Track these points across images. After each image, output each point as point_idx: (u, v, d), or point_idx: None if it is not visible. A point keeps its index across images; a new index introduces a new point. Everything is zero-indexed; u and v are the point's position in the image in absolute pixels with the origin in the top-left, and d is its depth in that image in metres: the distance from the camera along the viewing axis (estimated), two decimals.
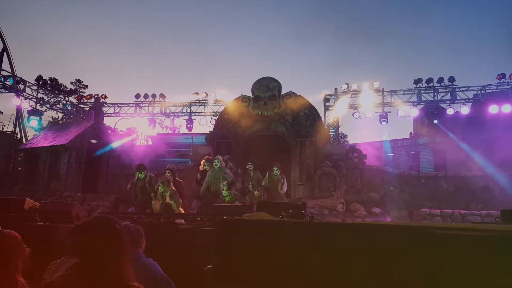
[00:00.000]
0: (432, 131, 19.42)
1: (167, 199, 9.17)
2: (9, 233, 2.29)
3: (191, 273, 3.82)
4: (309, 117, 14.46)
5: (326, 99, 20.39)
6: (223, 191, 9.56)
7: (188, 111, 20.95)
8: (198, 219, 7.19)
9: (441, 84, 18.23)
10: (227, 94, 20.04)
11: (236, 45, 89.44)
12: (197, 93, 20.65)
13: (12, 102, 20.02)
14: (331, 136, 18.32)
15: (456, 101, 18.24)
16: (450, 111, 18.12)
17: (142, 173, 10.19)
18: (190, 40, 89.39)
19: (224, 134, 14.89)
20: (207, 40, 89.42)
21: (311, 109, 14.64)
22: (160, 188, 9.37)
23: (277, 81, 14.73)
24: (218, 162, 10.47)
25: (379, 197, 13.21)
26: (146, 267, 2.83)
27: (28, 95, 19.73)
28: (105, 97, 21.40)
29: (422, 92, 18.65)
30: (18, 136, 25.82)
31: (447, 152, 18.75)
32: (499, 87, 17.94)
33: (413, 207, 12.71)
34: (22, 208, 6.61)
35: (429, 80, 18.32)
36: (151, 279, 2.72)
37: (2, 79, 18.82)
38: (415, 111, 18.76)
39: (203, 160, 11.00)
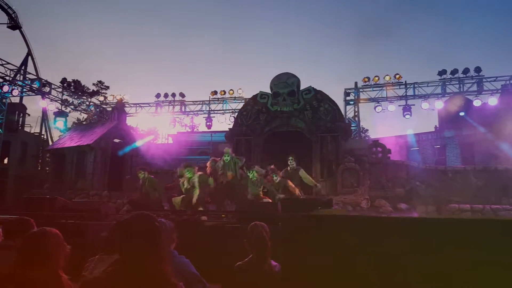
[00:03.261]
0: (459, 124, 18.93)
1: (196, 188, 8.52)
2: (51, 231, 2.35)
3: (219, 270, 3.83)
4: (329, 112, 14.28)
5: (347, 93, 20.18)
6: (251, 175, 9.13)
7: (207, 109, 21.11)
8: (223, 216, 7.25)
9: (467, 75, 17.78)
10: (245, 91, 20.16)
11: (255, 42, 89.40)
12: (215, 92, 20.77)
13: (39, 104, 20.59)
14: (353, 131, 18.10)
15: (483, 92, 17.75)
16: (477, 103, 17.63)
17: (142, 173, 9.92)
18: (208, 38, 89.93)
19: (243, 131, 14.88)
20: (225, 38, 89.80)
21: (331, 104, 14.45)
22: (187, 173, 8.65)
23: (296, 76, 14.60)
24: (228, 156, 9.75)
25: (405, 192, 12.94)
26: (180, 265, 2.84)
27: (54, 97, 20.23)
28: (127, 97, 21.82)
29: (447, 83, 18.23)
30: (44, 137, 26.56)
31: (474, 145, 18.26)
32: None
33: (441, 202, 12.40)
34: (54, 207, 6.80)
35: (454, 71, 17.88)
36: (184, 277, 2.74)
37: (28, 82, 19.38)
38: (439, 104, 18.35)
39: (180, 169, 9.60)
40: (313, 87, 14.59)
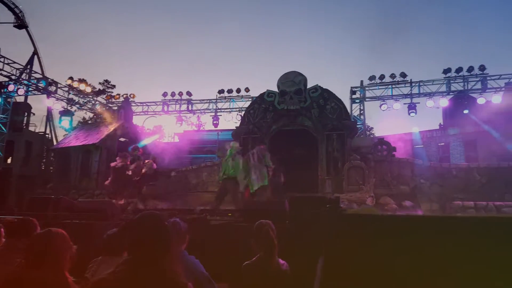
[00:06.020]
0: (463, 122, 18.87)
1: None
2: (57, 231, 2.35)
3: (226, 270, 3.82)
4: (335, 110, 14.29)
5: (353, 92, 20.15)
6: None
7: (214, 107, 21.13)
8: (229, 214, 7.25)
9: (471, 73, 17.73)
10: (252, 90, 20.16)
11: (261, 40, 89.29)
12: (222, 90, 20.78)
13: (45, 103, 20.66)
14: (358, 128, 18.07)
15: (487, 90, 17.72)
16: (481, 101, 17.59)
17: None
18: (216, 37, 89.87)
19: (250, 130, 14.91)
20: (231, 37, 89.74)
21: (337, 102, 14.45)
22: None
23: (302, 75, 14.61)
24: (232, 148, 9.92)
25: (410, 190, 12.93)
26: (190, 265, 2.86)
27: (60, 96, 20.29)
28: (134, 96, 21.86)
29: (451, 82, 18.18)
30: (49, 136, 26.67)
31: (478, 142, 18.24)
32: None
33: (445, 200, 12.39)
34: (58, 207, 6.77)
35: (459, 69, 17.83)
36: (194, 277, 2.74)
37: (34, 81, 19.46)
38: (444, 102, 18.31)
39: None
40: (319, 86, 14.61)
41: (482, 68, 17.49)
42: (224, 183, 9.66)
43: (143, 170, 10.51)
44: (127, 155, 10.62)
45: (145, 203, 10.05)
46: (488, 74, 17.65)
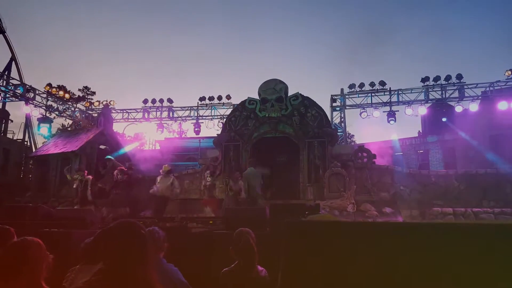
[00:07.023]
0: (441, 129, 19.31)
1: None
2: (33, 240, 2.31)
3: (207, 277, 3.82)
4: (316, 118, 14.43)
5: (333, 100, 20.41)
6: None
7: (196, 115, 21.05)
8: (211, 222, 7.23)
9: (449, 81, 18.14)
10: (233, 97, 20.19)
11: (242, 48, 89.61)
12: (204, 97, 20.75)
13: (23, 110, 20.23)
14: (339, 136, 18.28)
15: (464, 99, 18.14)
16: (458, 109, 18.03)
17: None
18: (195, 44, 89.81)
19: (232, 137, 14.92)
20: (212, 45, 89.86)
21: (318, 110, 14.61)
22: None
23: (283, 83, 14.72)
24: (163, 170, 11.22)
25: (390, 196, 13.11)
26: (168, 273, 2.85)
27: (38, 103, 19.92)
28: (114, 103, 21.63)
29: (429, 90, 18.56)
30: (28, 144, 26.05)
31: (456, 150, 18.67)
32: (507, 83, 17.80)
33: (425, 206, 12.60)
34: (36, 215, 6.65)
35: (437, 78, 18.23)
36: (172, 285, 2.73)
37: (12, 88, 19.05)
38: (423, 110, 18.68)
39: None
40: (300, 94, 14.73)
41: (459, 77, 17.94)
42: (159, 198, 11.03)
43: (115, 178, 10.56)
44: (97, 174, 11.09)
45: (120, 211, 9.99)
46: (465, 83, 18.10)
